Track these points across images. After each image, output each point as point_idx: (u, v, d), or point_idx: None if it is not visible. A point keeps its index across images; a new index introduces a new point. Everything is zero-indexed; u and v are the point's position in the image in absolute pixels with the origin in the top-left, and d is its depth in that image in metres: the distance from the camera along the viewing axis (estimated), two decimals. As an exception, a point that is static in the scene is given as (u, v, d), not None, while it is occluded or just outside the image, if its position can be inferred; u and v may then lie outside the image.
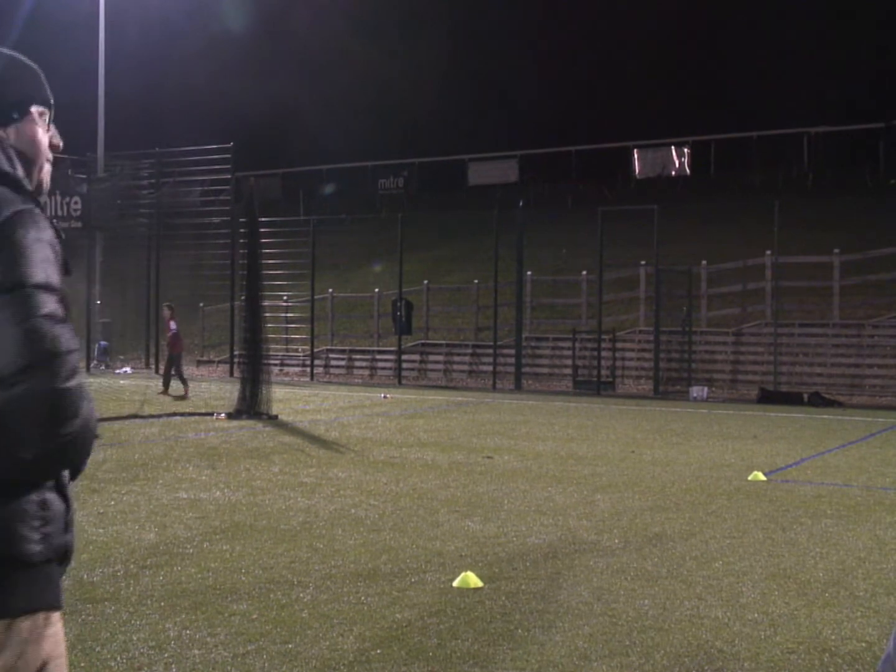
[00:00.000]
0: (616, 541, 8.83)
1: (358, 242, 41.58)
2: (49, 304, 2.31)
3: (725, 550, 8.51)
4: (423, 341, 34.32)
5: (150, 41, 54.90)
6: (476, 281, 34.45)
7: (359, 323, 37.64)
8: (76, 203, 42.66)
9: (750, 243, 31.13)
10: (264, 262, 22.74)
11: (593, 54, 52.17)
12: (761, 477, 12.46)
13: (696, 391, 26.93)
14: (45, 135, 2.71)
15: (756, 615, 6.67)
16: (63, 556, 2.46)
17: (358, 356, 35.21)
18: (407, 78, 57.91)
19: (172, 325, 24.41)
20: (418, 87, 58.62)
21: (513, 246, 30.30)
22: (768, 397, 25.46)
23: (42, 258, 2.36)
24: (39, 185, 2.72)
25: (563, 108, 53.27)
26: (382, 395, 25.82)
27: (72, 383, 2.27)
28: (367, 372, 34.32)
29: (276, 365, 34.20)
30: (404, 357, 32.76)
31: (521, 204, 31.31)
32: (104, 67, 38.48)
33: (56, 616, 2.45)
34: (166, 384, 24.41)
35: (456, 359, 33.59)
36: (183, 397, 23.30)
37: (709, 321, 30.58)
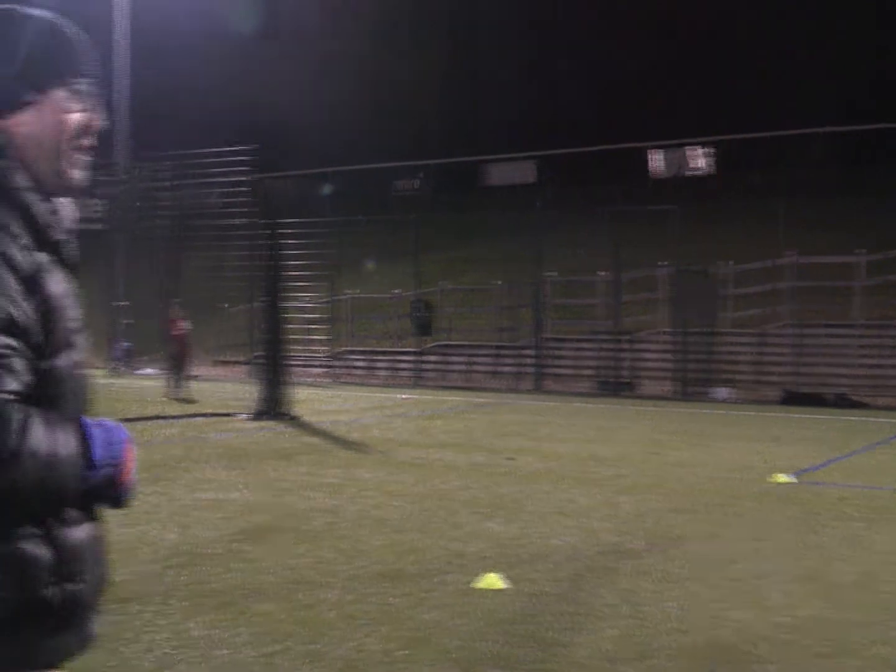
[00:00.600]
0: (639, 543, 8.81)
1: (376, 244, 41.59)
2: None
3: (750, 553, 8.48)
4: (443, 342, 34.30)
5: (170, 44, 55.08)
6: (499, 282, 34.42)
7: (378, 324, 37.65)
8: (98, 205, 42.87)
9: (773, 244, 31.00)
10: (284, 263, 22.75)
11: (610, 54, 52.06)
12: (785, 479, 12.40)
13: (718, 392, 26.83)
14: (74, 115, 2.32)
15: (781, 618, 6.64)
16: (49, 610, 2.22)
17: (378, 357, 35.22)
18: (423, 78, 57.92)
19: (181, 325, 24.43)
20: (434, 87, 58.62)
21: (531, 247, 30.25)
22: (792, 398, 25.35)
23: None
24: (61, 176, 2.32)
25: (581, 108, 53.18)
26: (402, 397, 25.83)
27: None
28: (387, 373, 34.32)
29: (296, 366, 34.26)
30: (424, 358, 32.75)
31: (538, 205, 31.26)
32: (126, 70, 38.62)
33: None
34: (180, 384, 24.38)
35: (476, 360, 33.55)
36: (165, 395, 23.43)
37: (731, 322, 30.46)
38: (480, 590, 7.15)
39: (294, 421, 18.95)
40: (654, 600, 6.99)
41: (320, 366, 35.36)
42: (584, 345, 31.14)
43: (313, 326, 36.67)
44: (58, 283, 2.23)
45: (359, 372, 34.80)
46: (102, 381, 28.53)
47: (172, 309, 25.28)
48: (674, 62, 51.50)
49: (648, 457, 14.54)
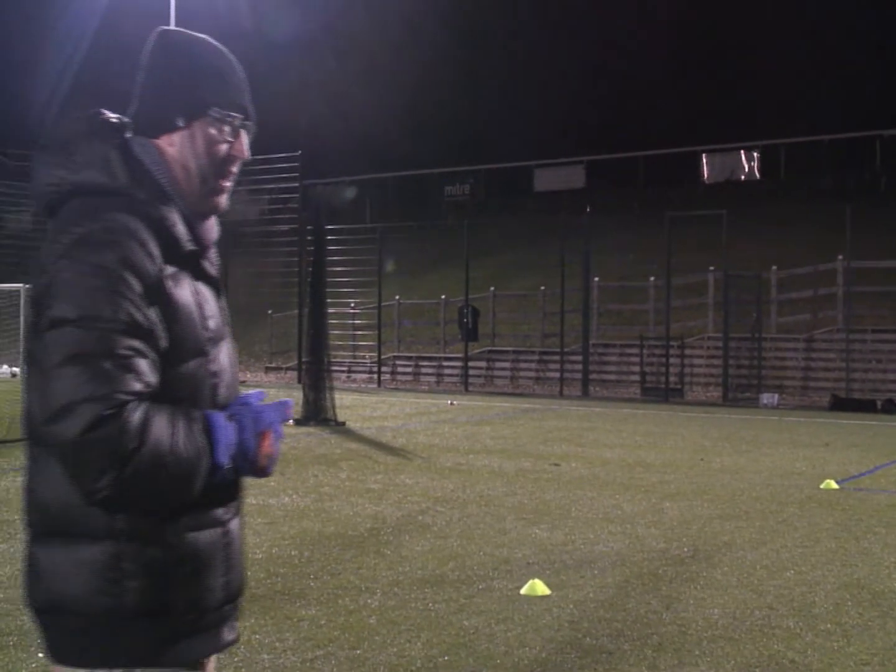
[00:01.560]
0: (685, 549, 8.75)
1: (424, 249, 41.68)
2: (68, 342, 2.13)
3: (797, 560, 8.40)
4: (489, 348, 34.29)
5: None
6: (543, 287, 34.35)
7: (425, 330, 37.69)
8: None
9: (821, 248, 30.75)
10: (331, 269, 22.84)
11: (661, 58, 51.84)
12: (834, 485, 12.28)
13: (766, 398, 26.63)
14: (221, 146, 2.43)
15: (829, 626, 6.57)
16: (165, 608, 2.28)
17: (424, 363, 35.25)
18: (473, 84, 57.98)
19: None
20: (484, 93, 58.68)
21: (579, 252, 30.18)
22: (840, 404, 25.10)
23: (88, 288, 2.15)
24: (205, 200, 2.45)
25: (630, 112, 53.01)
26: (449, 402, 25.83)
27: (87, 436, 2.08)
28: (433, 378, 34.34)
29: (343, 371, 34.37)
30: (471, 364, 32.73)
31: (587, 209, 31.18)
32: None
33: None
34: None
35: (523, 365, 33.53)
36: None
37: (779, 327, 30.23)
38: (524, 596, 7.13)
39: (339, 426, 19.01)
40: (699, 607, 6.94)
41: (367, 371, 35.44)
42: (632, 350, 31.02)
43: (360, 332, 36.78)
44: (186, 292, 2.31)
45: (405, 377, 34.85)
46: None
47: None
48: (727, 67, 51.20)
49: (695, 463, 14.45)
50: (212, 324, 2.38)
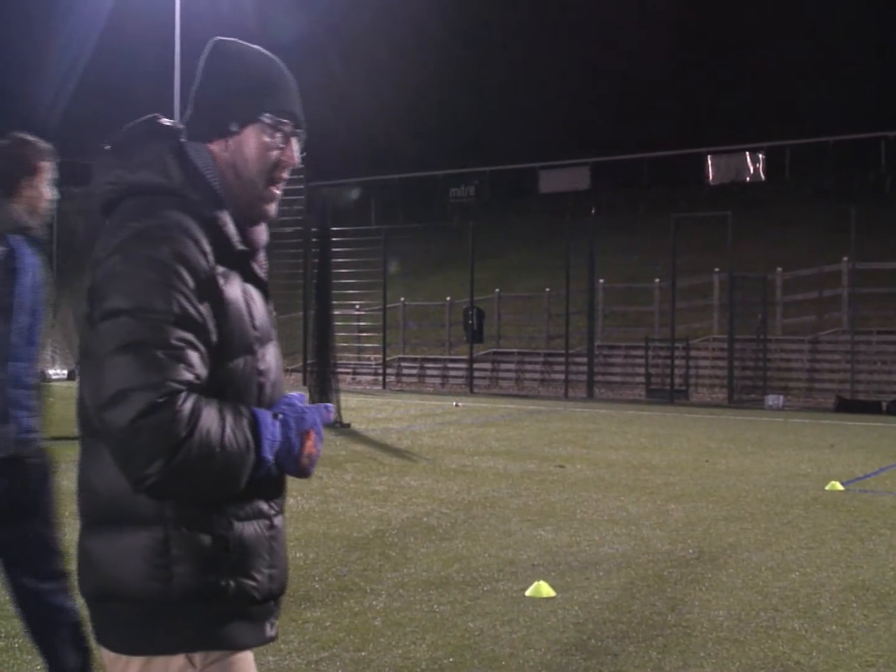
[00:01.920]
0: (690, 551, 8.74)
1: (429, 251, 41.68)
2: (122, 332, 2.18)
3: (802, 561, 8.39)
4: (494, 349, 34.29)
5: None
6: (548, 289, 34.35)
7: (430, 331, 37.71)
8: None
9: (826, 249, 30.72)
10: (336, 271, 22.84)
11: (666, 60, 51.83)
12: (839, 487, 12.27)
13: (771, 399, 26.61)
14: (272, 152, 2.47)
15: (834, 627, 6.56)
16: (212, 594, 2.32)
17: (429, 364, 35.25)
18: (478, 85, 57.99)
19: None
20: (489, 94, 58.67)
21: (584, 253, 30.17)
22: (846, 406, 25.07)
23: (142, 280, 2.21)
24: (255, 205, 2.50)
25: (635, 114, 53.00)
26: (454, 404, 25.82)
27: (139, 422, 2.12)
28: (438, 380, 34.35)
29: (348, 373, 34.37)
30: (476, 365, 32.72)
31: (592, 211, 31.18)
32: (179, 80, 38.99)
33: (199, 657, 2.34)
34: None
35: (528, 367, 33.52)
36: None
37: (784, 329, 30.21)
38: (529, 598, 7.12)
39: (344, 428, 19.01)
40: (704, 609, 6.94)
41: (372, 373, 35.45)
42: (637, 352, 31.01)
43: (365, 334, 36.79)
44: (236, 291, 2.37)
45: (410, 379, 34.86)
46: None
47: None
48: (730, 68, 51.17)
49: (700, 464, 14.44)
50: (259, 324, 2.43)
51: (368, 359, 36.44)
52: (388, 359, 34.35)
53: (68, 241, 44.36)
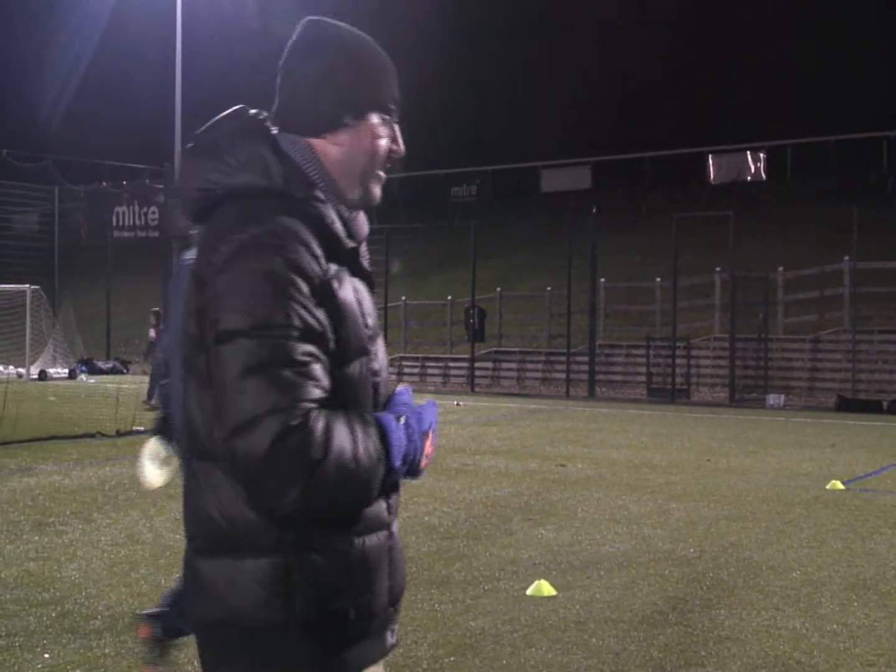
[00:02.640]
0: (691, 550, 8.75)
1: (430, 250, 41.69)
2: (243, 354, 2.08)
3: (803, 560, 8.39)
4: (496, 349, 34.29)
5: (225, 51, 55.55)
6: (549, 288, 34.35)
7: (432, 330, 37.70)
8: (153, 213, 43.29)
9: (827, 249, 30.70)
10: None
11: (667, 59, 51.81)
12: (840, 486, 12.27)
13: (772, 399, 26.60)
14: (383, 141, 2.38)
15: (835, 626, 6.57)
16: (334, 618, 2.23)
17: (431, 364, 35.25)
18: (479, 85, 57.98)
19: (152, 333, 23.92)
20: (491, 93, 58.66)
21: (586, 253, 30.17)
22: (847, 405, 25.07)
23: (257, 295, 2.10)
24: (365, 195, 2.40)
25: (637, 113, 52.97)
26: (455, 403, 25.81)
27: (275, 448, 2.02)
28: (440, 379, 34.35)
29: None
30: (477, 364, 32.71)
31: (594, 210, 31.18)
32: (180, 78, 38.98)
33: None
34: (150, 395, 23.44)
35: (529, 366, 33.51)
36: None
37: (785, 328, 30.20)
38: (530, 597, 7.13)
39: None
40: (705, 608, 6.94)
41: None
42: (638, 351, 31.00)
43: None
44: (349, 291, 2.27)
45: (411, 378, 34.85)
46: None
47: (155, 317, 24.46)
48: (731, 67, 51.14)
49: (702, 464, 14.44)
50: (370, 321, 2.35)
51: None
52: (389, 357, 34.25)
53: (69, 241, 44.42)
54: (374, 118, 2.36)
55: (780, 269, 30.50)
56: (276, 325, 2.08)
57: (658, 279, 32.32)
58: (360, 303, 2.30)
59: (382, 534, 2.33)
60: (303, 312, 2.12)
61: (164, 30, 40.40)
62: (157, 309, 24.96)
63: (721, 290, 30.75)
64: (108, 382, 28.76)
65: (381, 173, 2.41)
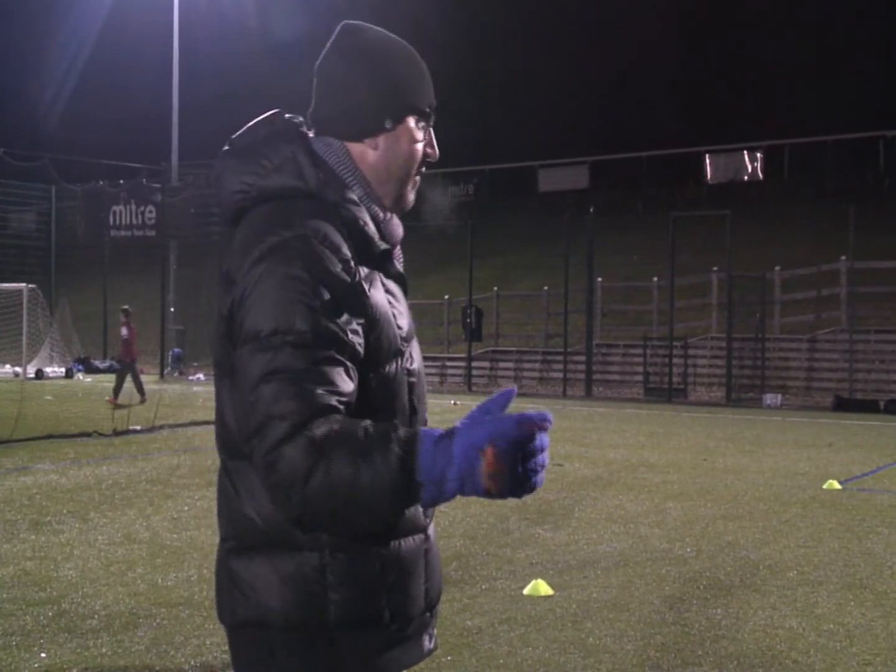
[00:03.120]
0: (688, 549, 8.75)
1: (428, 250, 41.66)
2: (263, 358, 2.06)
3: (800, 560, 8.40)
4: (492, 348, 34.30)
5: (223, 50, 55.51)
6: (546, 287, 34.35)
7: (429, 330, 37.70)
8: (150, 212, 43.22)
9: (825, 248, 30.74)
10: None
11: (665, 59, 51.84)
12: (836, 485, 12.28)
13: (769, 398, 26.63)
14: (419, 145, 2.38)
15: (831, 626, 6.57)
16: (370, 620, 2.21)
17: (428, 363, 35.22)
18: (477, 84, 57.97)
19: (123, 331, 23.92)
20: (488, 93, 58.66)
21: (583, 252, 30.17)
22: (843, 405, 25.10)
23: (281, 300, 2.09)
24: (400, 199, 2.40)
25: (634, 113, 53.00)
26: (453, 402, 25.81)
27: (273, 454, 2.00)
28: (437, 378, 34.34)
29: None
30: (474, 364, 32.72)
31: (591, 210, 31.19)
32: (178, 77, 38.98)
33: None
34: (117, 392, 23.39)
35: (526, 366, 33.52)
36: (142, 402, 22.65)
37: (782, 328, 30.22)
38: (527, 596, 7.13)
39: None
40: (702, 607, 6.94)
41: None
42: (635, 351, 31.02)
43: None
44: (380, 293, 2.25)
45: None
46: (153, 387, 28.79)
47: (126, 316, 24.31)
48: (729, 66, 51.16)
49: (699, 463, 14.45)
50: (404, 322, 2.32)
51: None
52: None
53: (66, 240, 44.41)
54: (412, 122, 2.36)
55: (777, 268, 30.53)
56: (297, 331, 2.07)
57: (655, 279, 32.33)
58: (392, 305, 2.29)
59: (418, 537, 2.31)
60: (326, 319, 2.10)
61: (162, 29, 40.41)
62: (126, 307, 24.92)
63: (718, 290, 30.77)
64: (105, 381, 28.76)
65: (417, 178, 2.41)
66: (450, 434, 2.02)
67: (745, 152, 46.07)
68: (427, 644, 2.36)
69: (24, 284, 33.84)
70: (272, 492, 2.02)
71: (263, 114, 2.40)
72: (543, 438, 2.08)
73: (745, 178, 45.83)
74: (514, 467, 2.01)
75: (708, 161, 46.57)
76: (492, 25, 59.88)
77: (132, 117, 53.79)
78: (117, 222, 44.43)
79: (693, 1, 52.52)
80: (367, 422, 2.04)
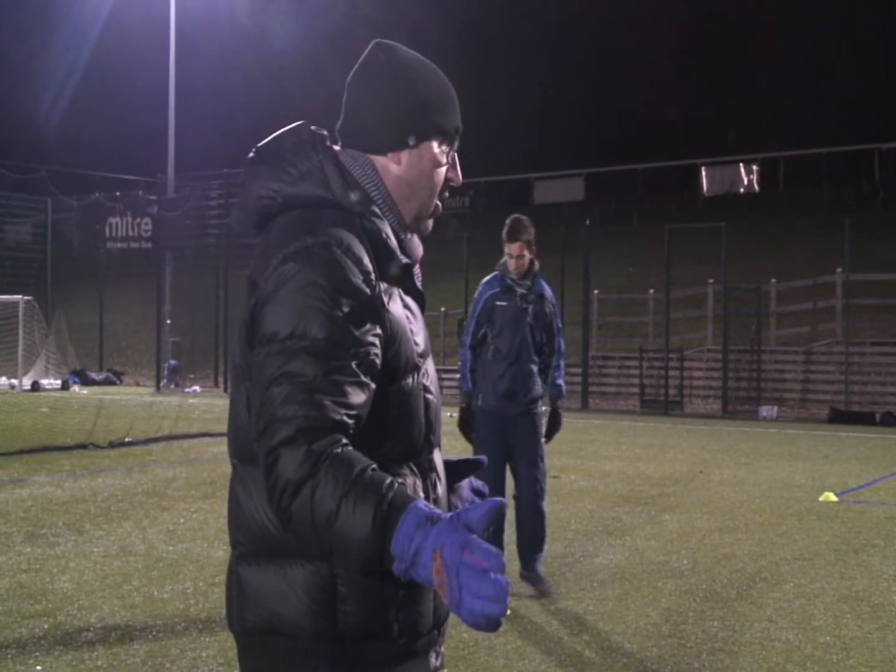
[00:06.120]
0: (685, 561, 8.75)
1: (423, 261, 41.63)
2: (276, 361, 2.06)
3: (796, 572, 8.40)
4: (489, 360, 34.24)
5: (220, 63, 55.58)
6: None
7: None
8: (147, 224, 43.22)
9: (820, 260, 30.77)
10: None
11: (661, 71, 51.97)
12: (833, 498, 12.27)
13: (765, 410, 26.63)
14: (442, 168, 2.40)
15: (828, 638, 6.57)
16: (378, 632, 2.18)
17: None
18: (472, 95, 58.07)
19: None
20: (484, 104, 58.77)
21: (579, 264, 30.19)
22: (839, 417, 25.09)
23: (299, 306, 2.09)
24: (420, 221, 2.42)
25: (630, 125, 53.09)
26: (449, 415, 25.79)
27: (271, 457, 2.00)
28: (433, 391, 34.28)
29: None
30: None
31: (587, 222, 31.21)
32: (174, 90, 39.01)
33: None
34: None
35: (522, 377, 33.45)
36: None
37: (778, 340, 30.23)
38: (523, 608, 7.12)
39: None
40: (698, 620, 6.94)
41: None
42: (631, 363, 31.02)
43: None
44: (399, 307, 2.26)
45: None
46: (149, 398, 28.76)
47: None
48: (725, 79, 51.30)
49: (695, 475, 14.45)
50: (420, 339, 2.32)
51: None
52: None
53: (62, 252, 44.38)
54: (436, 143, 2.38)
55: (773, 280, 30.54)
56: (313, 338, 2.07)
57: (651, 291, 32.34)
58: (410, 320, 2.29)
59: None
60: (343, 328, 2.10)
61: (158, 41, 40.44)
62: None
63: (714, 302, 30.79)
64: (101, 393, 28.72)
65: (438, 202, 2.42)
66: (432, 521, 1.92)
67: (741, 164, 46.15)
68: (434, 661, 2.34)
69: (20, 296, 33.80)
70: (268, 493, 2.03)
71: (286, 125, 2.40)
72: (495, 574, 1.86)
73: (741, 190, 45.90)
74: (452, 585, 1.87)
75: (704, 173, 46.63)
76: (488, 37, 60.00)
77: (129, 130, 53.85)
78: (113, 234, 44.47)
79: (689, 14, 52.64)
80: (372, 464, 2.01)
